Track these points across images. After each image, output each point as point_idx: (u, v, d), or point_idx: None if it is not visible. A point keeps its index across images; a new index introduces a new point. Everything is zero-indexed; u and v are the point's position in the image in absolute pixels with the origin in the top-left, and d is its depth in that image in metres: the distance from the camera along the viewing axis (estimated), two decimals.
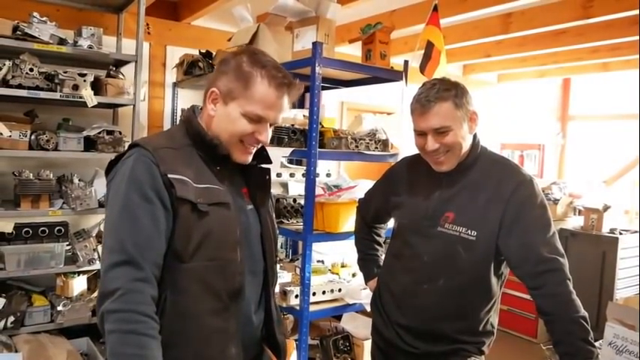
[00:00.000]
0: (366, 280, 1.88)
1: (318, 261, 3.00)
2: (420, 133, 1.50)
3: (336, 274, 2.82)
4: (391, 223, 1.81)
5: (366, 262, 1.88)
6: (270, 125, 1.25)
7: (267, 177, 1.38)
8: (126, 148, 1.22)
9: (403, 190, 1.63)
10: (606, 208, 4.29)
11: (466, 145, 1.50)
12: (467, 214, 1.48)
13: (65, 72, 2.69)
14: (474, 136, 1.54)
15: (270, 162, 1.38)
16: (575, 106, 5.51)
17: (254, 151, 1.27)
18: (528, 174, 1.52)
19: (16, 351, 2.69)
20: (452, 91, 1.45)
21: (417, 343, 1.55)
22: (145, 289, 1.06)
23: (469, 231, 1.46)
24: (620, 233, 4.16)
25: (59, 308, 2.79)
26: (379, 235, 1.89)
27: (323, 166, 3.28)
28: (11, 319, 2.75)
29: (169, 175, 1.12)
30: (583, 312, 1.33)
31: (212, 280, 1.16)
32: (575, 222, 4.48)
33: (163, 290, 1.11)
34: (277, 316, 1.37)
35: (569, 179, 5.18)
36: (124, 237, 1.07)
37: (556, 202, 4.43)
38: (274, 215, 1.41)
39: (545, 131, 5.53)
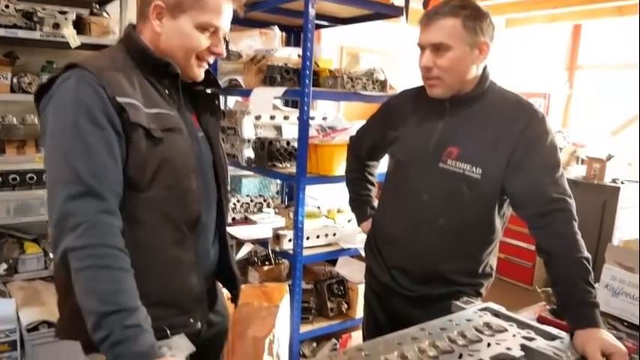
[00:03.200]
0: (359, 221, 1.81)
1: (316, 207, 2.95)
2: (421, 49, 1.40)
3: (331, 219, 2.78)
4: (384, 167, 1.72)
5: (359, 203, 1.81)
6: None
7: (217, 102, 1.31)
8: None
9: (402, 123, 1.53)
10: (609, 157, 4.20)
11: (469, 74, 1.39)
12: (472, 150, 1.39)
13: (44, 9, 2.55)
14: (484, 69, 1.44)
15: (218, 86, 1.31)
16: (584, 54, 5.31)
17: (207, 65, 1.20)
18: (541, 111, 1.42)
19: (10, 297, 2.69)
20: (466, 11, 1.34)
21: (413, 286, 1.49)
22: (112, 221, 0.98)
23: (474, 168, 1.38)
24: (622, 183, 4.09)
25: (52, 255, 2.77)
26: (372, 175, 1.81)
27: (321, 110, 3.17)
28: (4, 266, 2.74)
29: (119, 99, 1.02)
30: (586, 253, 1.27)
31: (170, 209, 1.10)
32: (577, 171, 4.39)
33: None
34: (230, 248, 1.35)
35: (573, 129, 5.06)
36: (79, 166, 0.97)
37: (559, 150, 4.33)
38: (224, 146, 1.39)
39: (552, 80, 5.35)
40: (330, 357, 1.00)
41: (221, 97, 3.28)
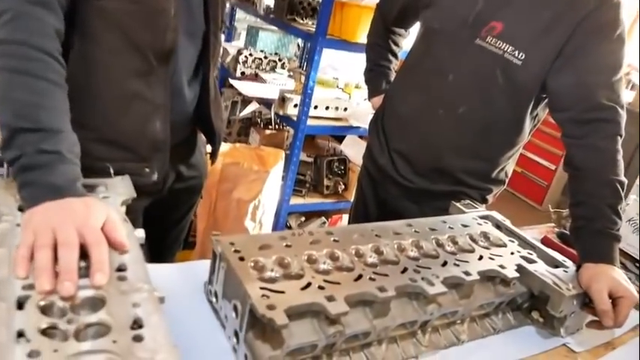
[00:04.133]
0: (371, 95, 1.58)
1: (333, 77, 2.70)
2: None
3: (347, 93, 2.55)
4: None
5: (375, 75, 1.56)
6: None
7: None
8: None
9: None
10: None
11: None
12: (520, 29, 1.12)
13: None
14: None
15: None
16: None
17: None
18: None
19: None
20: None
21: (413, 176, 1.31)
22: (45, 16, 0.77)
23: (516, 52, 1.11)
24: None
25: None
26: (397, 45, 1.54)
27: None
28: None
29: None
30: (622, 177, 1.05)
31: (134, 30, 0.90)
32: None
33: (69, 36, 0.84)
34: (215, 97, 1.14)
35: (634, 47, 4.51)
36: None
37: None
38: None
39: None
40: (294, 234, 0.85)
41: None
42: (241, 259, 0.74)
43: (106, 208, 0.67)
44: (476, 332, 0.87)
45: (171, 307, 0.80)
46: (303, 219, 2.47)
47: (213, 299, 0.80)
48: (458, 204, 1.14)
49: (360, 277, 0.77)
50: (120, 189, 0.81)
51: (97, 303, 0.54)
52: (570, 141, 1.10)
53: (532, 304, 0.94)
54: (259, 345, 0.67)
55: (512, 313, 0.94)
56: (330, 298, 0.70)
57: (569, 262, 0.97)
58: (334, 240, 0.85)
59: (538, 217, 4.02)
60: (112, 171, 0.86)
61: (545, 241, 1.31)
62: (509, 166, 1.32)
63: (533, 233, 1.36)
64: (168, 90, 0.98)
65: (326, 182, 2.42)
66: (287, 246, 0.81)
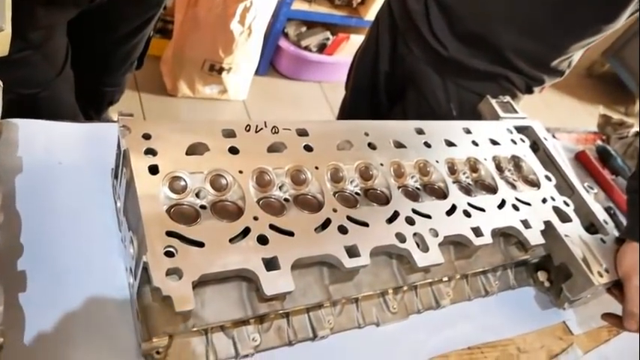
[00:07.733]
0: None
1: None
2: None
3: None
4: None
5: None
6: None
7: None
8: None
9: None
10: None
11: None
12: None
13: None
14: None
15: None
16: None
17: None
18: None
19: None
20: None
21: (448, 38, 0.95)
22: None
23: None
24: None
25: None
26: None
27: None
28: None
29: None
30: None
31: None
32: None
33: None
34: None
35: None
36: None
37: None
38: None
39: None
40: (248, 128, 0.58)
41: None
42: (153, 170, 0.48)
43: None
44: (462, 294, 0.68)
45: (63, 194, 0.57)
46: (304, 29, 2.08)
47: (117, 203, 0.56)
48: (493, 101, 0.84)
49: (327, 223, 0.53)
50: None
51: None
52: None
53: (540, 262, 0.74)
54: (156, 312, 0.46)
55: (513, 270, 0.74)
56: (271, 264, 0.47)
57: (610, 225, 0.74)
58: (306, 147, 0.59)
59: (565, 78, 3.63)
60: None
61: (581, 157, 1.05)
62: (577, 55, 0.97)
63: (570, 142, 1.09)
64: None
65: None
66: (232, 151, 0.54)
